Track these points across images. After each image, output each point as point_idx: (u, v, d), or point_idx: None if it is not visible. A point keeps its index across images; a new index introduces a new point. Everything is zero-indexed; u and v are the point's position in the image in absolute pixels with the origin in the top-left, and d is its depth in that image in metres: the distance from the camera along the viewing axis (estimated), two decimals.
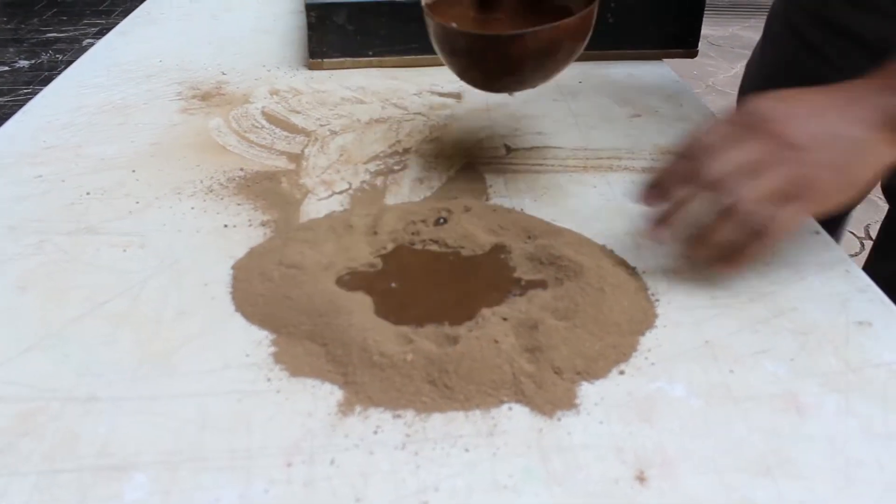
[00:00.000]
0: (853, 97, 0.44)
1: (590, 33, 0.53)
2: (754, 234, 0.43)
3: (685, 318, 0.44)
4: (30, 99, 0.71)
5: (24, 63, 2.17)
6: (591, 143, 0.64)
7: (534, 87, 0.55)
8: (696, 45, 0.82)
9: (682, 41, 0.80)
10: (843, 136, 0.43)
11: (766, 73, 0.77)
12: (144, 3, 1.00)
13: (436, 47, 0.54)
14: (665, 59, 0.83)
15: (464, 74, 0.55)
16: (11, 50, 2.30)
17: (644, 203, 0.47)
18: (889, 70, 0.44)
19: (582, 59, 0.82)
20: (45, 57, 2.18)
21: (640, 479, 0.35)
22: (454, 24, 0.53)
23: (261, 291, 0.45)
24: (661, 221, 0.46)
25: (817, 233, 0.52)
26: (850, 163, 0.43)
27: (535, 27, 0.49)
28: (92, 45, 0.84)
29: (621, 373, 0.41)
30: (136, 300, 0.45)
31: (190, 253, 0.50)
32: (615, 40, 0.79)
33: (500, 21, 0.59)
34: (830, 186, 0.42)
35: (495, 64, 0.51)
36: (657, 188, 0.46)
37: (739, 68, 2.56)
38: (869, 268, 0.66)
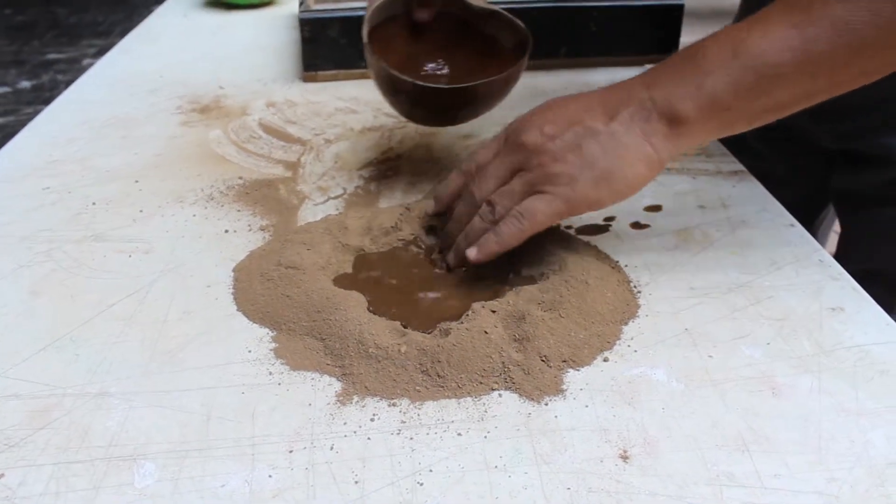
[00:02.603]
0: (612, 96, 0.46)
1: (517, 81, 0.58)
2: (510, 225, 0.46)
3: (666, 307, 0.47)
4: (32, 118, 0.73)
5: (25, 84, 2.21)
6: None
7: (465, 122, 0.60)
8: (676, 51, 0.84)
9: (663, 47, 0.83)
10: (587, 133, 0.45)
11: None
12: (144, 22, 1.03)
13: (378, 86, 0.57)
14: (647, 66, 0.85)
15: (404, 112, 0.59)
16: (13, 71, 2.33)
17: (432, 210, 0.53)
18: (653, 68, 0.47)
19: (566, 66, 0.85)
20: (46, 77, 2.22)
21: (624, 457, 0.37)
22: (386, 65, 0.55)
23: (261, 291, 0.47)
24: (447, 247, 0.51)
25: (792, 225, 0.54)
26: (595, 154, 0.45)
27: (469, 82, 0.55)
28: (92, 65, 0.87)
29: (605, 360, 0.43)
30: (143, 302, 0.47)
31: (193, 257, 0.52)
32: (598, 48, 0.81)
33: (431, 52, 0.63)
34: (576, 177, 0.45)
35: (432, 106, 0.57)
36: (439, 202, 0.53)
37: None
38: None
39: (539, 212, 0.46)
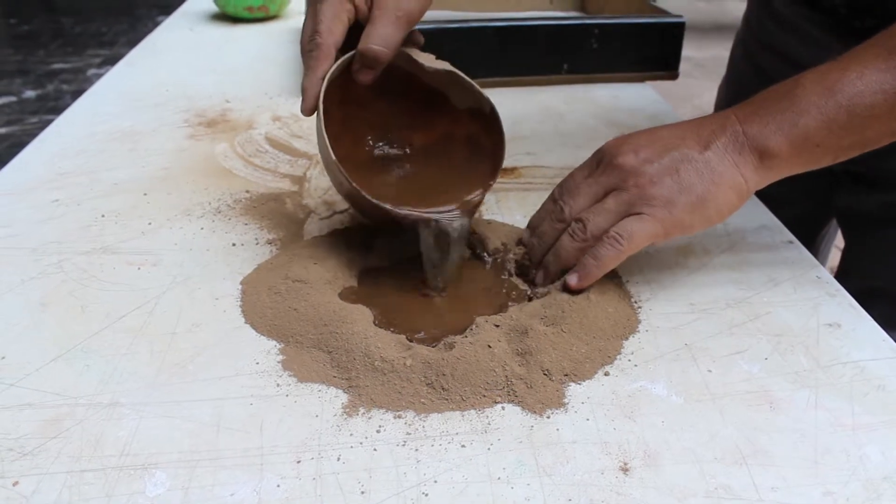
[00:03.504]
0: (705, 127, 0.48)
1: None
2: (609, 248, 0.47)
3: (666, 323, 0.48)
4: (37, 128, 0.74)
5: (30, 94, 2.22)
6: (578, 162, 0.67)
7: None
8: (677, 68, 0.86)
9: (664, 64, 0.84)
10: (683, 159, 0.47)
11: (730, 96, 0.81)
12: (150, 35, 1.04)
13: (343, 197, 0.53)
14: (648, 81, 0.87)
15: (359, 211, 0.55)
16: (18, 81, 2.35)
17: (524, 239, 0.53)
18: (747, 102, 0.48)
19: (568, 81, 0.86)
20: (50, 87, 2.23)
21: (624, 469, 0.38)
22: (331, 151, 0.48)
23: (269, 304, 0.48)
24: (538, 265, 0.51)
25: (790, 242, 0.55)
26: (691, 180, 0.46)
27: (430, 211, 0.50)
28: (96, 75, 0.88)
29: (606, 374, 0.44)
30: (152, 314, 0.48)
31: (201, 270, 0.53)
32: (599, 64, 0.82)
33: (369, 116, 0.56)
34: (673, 201, 0.46)
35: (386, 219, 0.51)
36: (531, 229, 0.52)
37: None
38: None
39: (636, 233, 0.46)
